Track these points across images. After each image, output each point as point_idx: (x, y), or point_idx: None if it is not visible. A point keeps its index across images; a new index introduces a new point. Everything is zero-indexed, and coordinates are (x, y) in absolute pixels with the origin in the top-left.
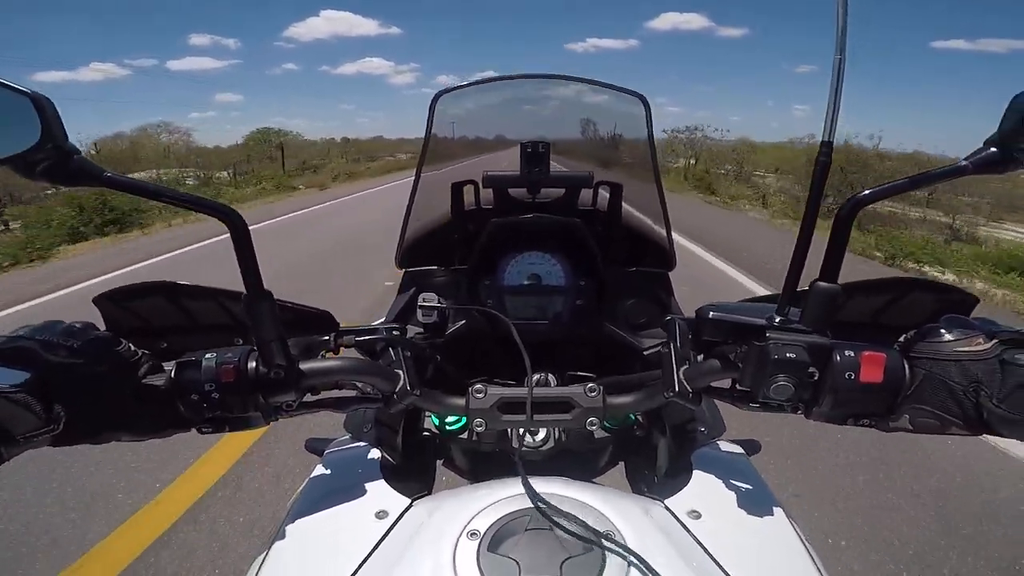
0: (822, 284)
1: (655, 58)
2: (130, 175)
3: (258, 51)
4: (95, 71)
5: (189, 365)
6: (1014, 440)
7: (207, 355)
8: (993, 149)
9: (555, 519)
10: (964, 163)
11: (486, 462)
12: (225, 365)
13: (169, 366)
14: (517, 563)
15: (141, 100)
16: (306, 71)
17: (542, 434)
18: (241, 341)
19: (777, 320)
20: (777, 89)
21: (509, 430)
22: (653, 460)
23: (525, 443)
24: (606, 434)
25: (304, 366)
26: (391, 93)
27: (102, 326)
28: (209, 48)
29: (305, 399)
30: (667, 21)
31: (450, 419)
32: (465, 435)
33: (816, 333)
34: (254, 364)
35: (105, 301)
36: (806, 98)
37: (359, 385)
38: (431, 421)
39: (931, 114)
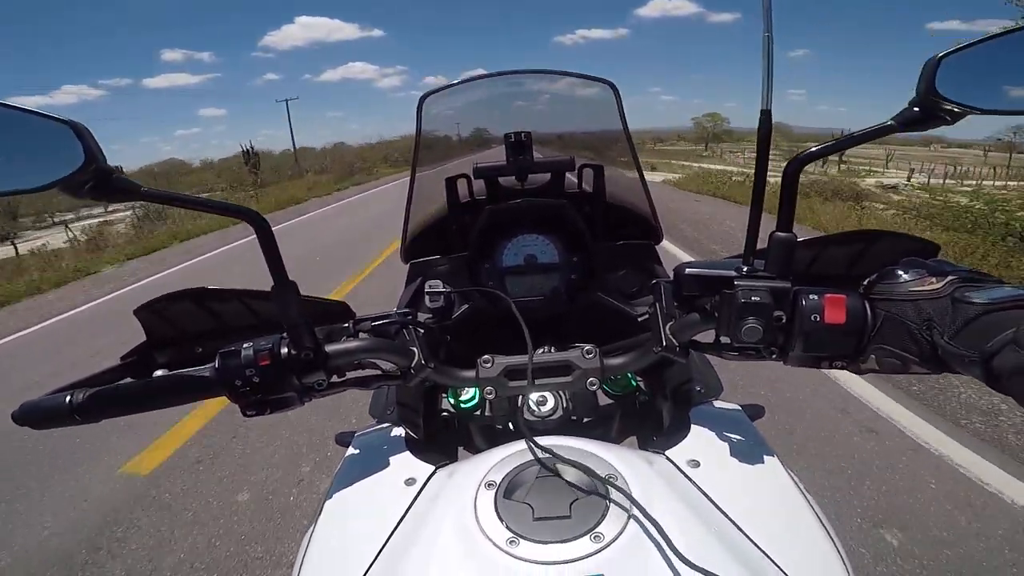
0: (779, 234)
1: (646, 47)
2: None
3: (235, 63)
4: (69, 94)
5: (231, 355)
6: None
7: (245, 345)
8: (915, 108)
9: (561, 467)
10: (890, 122)
11: (502, 438)
12: (261, 351)
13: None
14: (530, 506)
15: (122, 121)
16: (288, 80)
17: (550, 403)
18: (251, 339)
19: (745, 270)
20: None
21: (519, 401)
22: (660, 427)
23: (535, 414)
24: (610, 400)
25: (330, 348)
26: (379, 97)
27: (142, 336)
28: (183, 63)
29: (332, 380)
30: (656, 8)
31: (464, 397)
32: (479, 411)
33: (779, 279)
34: (286, 349)
35: (143, 311)
36: (801, 82)
37: (379, 364)
38: (447, 401)
39: None
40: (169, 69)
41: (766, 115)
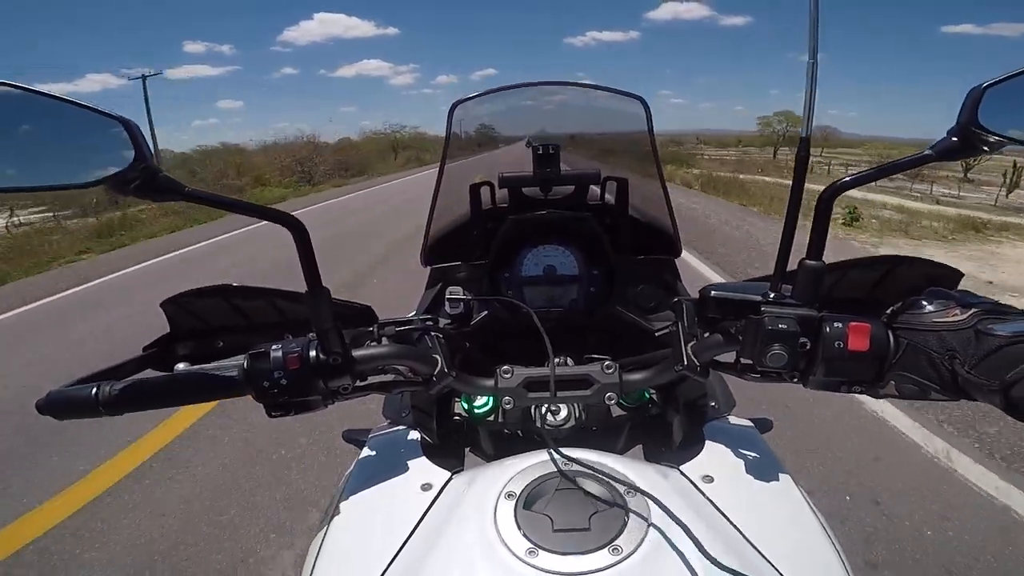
0: (809, 262)
1: (657, 50)
2: None
3: (254, 56)
4: (92, 82)
5: (259, 356)
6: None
7: (274, 347)
8: (954, 138)
9: (580, 480)
10: (929, 152)
11: (510, 445)
12: (291, 354)
13: (241, 359)
14: (550, 518)
15: (142, 109)
16: (304, 75)
17: (563, 413)
18: (291, 336)
19: (771, 296)
20: (781, 78)
21: (532, 411)
22: (668, 438)
23: (548, 423)
24: (623, 412)
25: (356, 353)
26: (392, 94)
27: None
28: (205, 55)
29: (356, 384)
30: (668, 11)
31: (478, 403)
32: (492, 417)
33: (806, 306)
34: (314, 352)
35: (170, 304)
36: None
37: (401, 370)
38: (461, 406)
39: (940, 99)
40: (191, 60)
41: (805, 142)
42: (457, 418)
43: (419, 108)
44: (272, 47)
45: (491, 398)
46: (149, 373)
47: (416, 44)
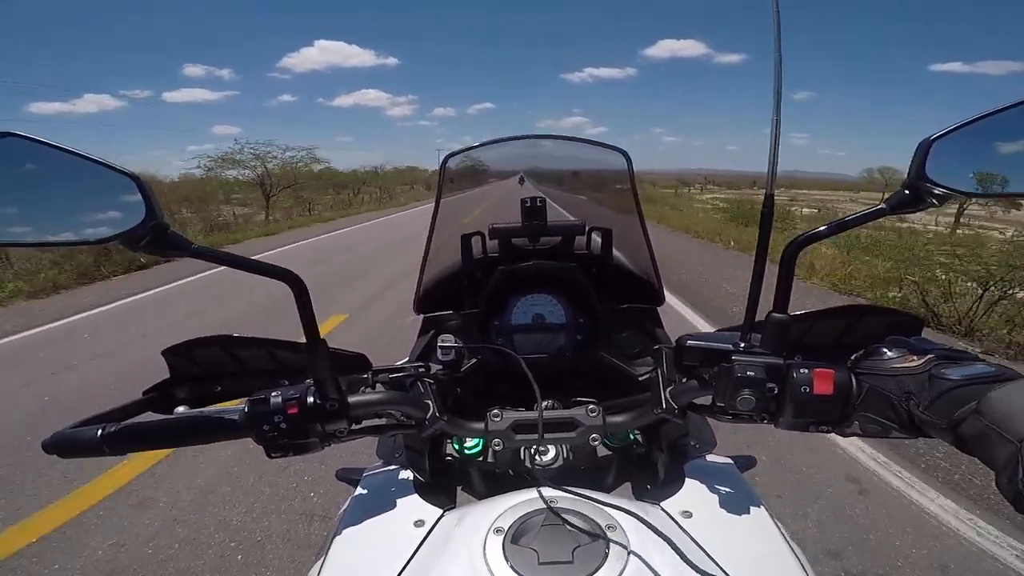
0: (775, 315)
1: (653, 86)
2: None
3: (253, 82)
4: (90, 103)
5: (260, 402)
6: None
7: (274, 393)
8: (906, 191)
9: (565, 516)
10: (883, 206)
11: (500, 484)
12: (290, 400)
13: (241, 403)
14: (536, 552)
15: (138, 132)
16: (303, 102)
17: (551, 454)
18: (287, 382)
19: (741, 346)
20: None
21: (521, 451)
22: (654, 476)
23: (536, 463)
24: (608, 452)
25: (352, 399)
26: (388, 125)
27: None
28: (203, 79)
29: (352, 427)
30: (664, 48)
31: (469, 444)
32: (482, 458)
33: (773, 355)
34: (312, 398)
35: (171, 354)
36: (804, 126)
37: (395, 414)
38: (452, 447)
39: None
40: (189, 84)
41: (770, 199)
42: (449, 458)
43: (415, 140)
44: (271, 73)
45: (481, 439)
46: (149, 416)
47: (415, 76)
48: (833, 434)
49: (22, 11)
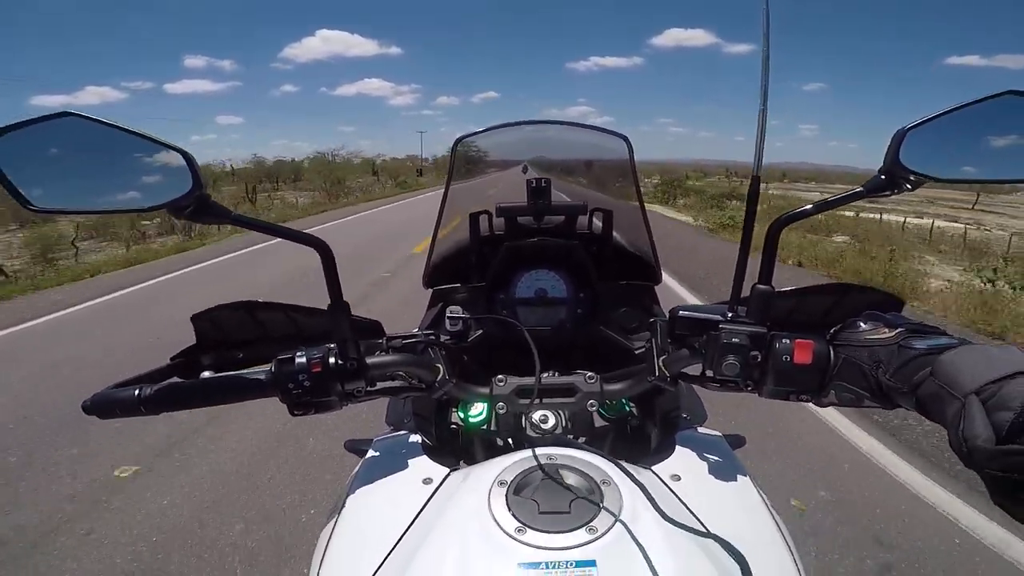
0: (760, 287)
1: (659, 76)
2: None
3: (255, 72)
4: (92, 94)
5: (286, 361)
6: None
7: (298, 353)
8: (882, 176)
9: (563, 472)
10: (860, 189)
11: (502, 452)
12: (314, 359)
13: (266, 365)
14: (536, 502)
15: (140, 123)
16: (305, 92)
17: (551, 422)
18: (300, 348)
19: (728, 315)
20: (783, 108)
21: (523, 420)
22: (647, 448)
23: (537, 430)
24: (605, 423)
25: (370, 360)
26: (392, 114)
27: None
28: (205, 70)
29: (368, 388)
30: (671, 38)
31: (473, 413)
32: (486, 426)
33: (757, 324)
34: (334, 359)
35: (199, 319)
36: (813, 117)
37: (407, 377)
38: (457, 415)
39: None
40: (191, 75)
41: (756, 180)
42: (453, 426)
43: (419, 127)
44: (273, 63)
45: (485, 409)
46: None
47: (418, 65)
48: (811, 404)
49: (24, 4)
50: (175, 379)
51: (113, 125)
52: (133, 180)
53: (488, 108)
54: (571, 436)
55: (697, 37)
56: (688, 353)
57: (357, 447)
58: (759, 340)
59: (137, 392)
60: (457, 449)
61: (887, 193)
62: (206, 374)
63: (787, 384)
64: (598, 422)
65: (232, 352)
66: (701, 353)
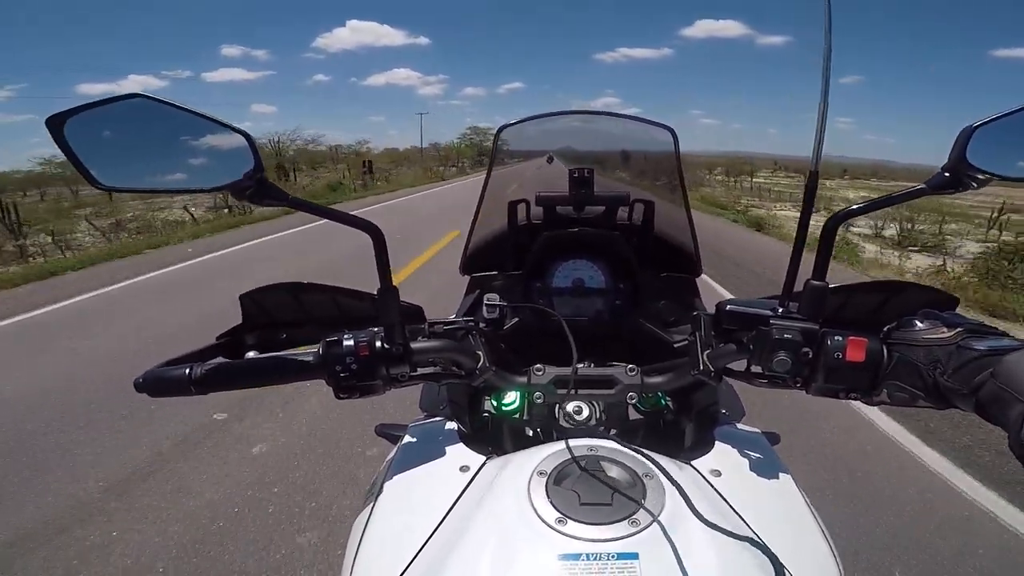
0: (814, 282)
1: (689, 68)
2: None
3: (288, 62)
4: (134, 83)
5: (334, 344)
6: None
7: (346, 335)
8: (946, 174)
9: (604, 464)
10: (923, 186)
11: (532, 443)
12: (361, 343)
13: (314, 347)
14: (577, 493)
15: None
16: (336, 82)
17: (585, 414)
18: (347, 331)
19: (779, 311)
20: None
21: (556, 410)
22: (681, 443)
23: (571, 421)
24: (640, 416)
25: (415, 345)
26: (420, 104)
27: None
28: (240, 59)
29: (411, 373)
30: (703, 29)
31: (507, 401)
32: (518, 415)
33: (810, 320)
34: (380, 343)
35: (247, 298)
36: (850, 110)
37: (448, 363)
38: (491, 403)
39: None
40: (227, 64)
41: (814, 176)
42: (486, 415)
43: (446, 117)
44: (305, 53)
45: (519, 397)
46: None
47: (446, 55)
48: (860, 402)
49: None
50: (221, 359)
51: (181, 107)
52: (196, 161)
53: (514, 98)
54: (602, 429)
55: (729, 28)
56: (735, 349)
57: (389, 432)
58: (811, 337)
59: (188, 371)
60: (486, 437)
61: (950, 191)
62: (251, 354)
63: (838, 382)
64: (632, 415)
65: (276, 333)
66: (748, 348)
